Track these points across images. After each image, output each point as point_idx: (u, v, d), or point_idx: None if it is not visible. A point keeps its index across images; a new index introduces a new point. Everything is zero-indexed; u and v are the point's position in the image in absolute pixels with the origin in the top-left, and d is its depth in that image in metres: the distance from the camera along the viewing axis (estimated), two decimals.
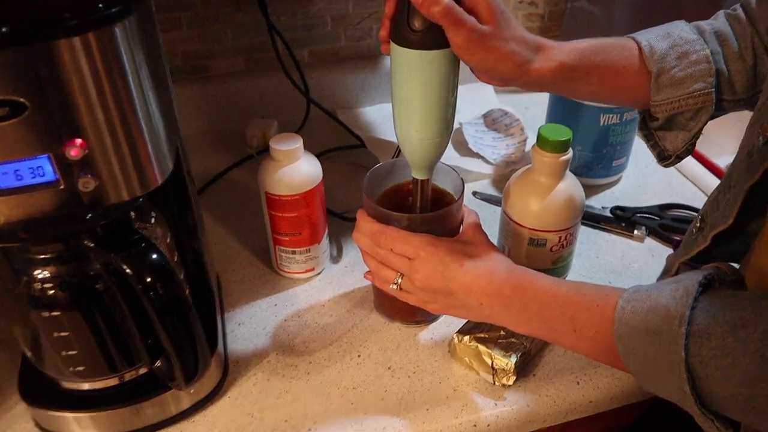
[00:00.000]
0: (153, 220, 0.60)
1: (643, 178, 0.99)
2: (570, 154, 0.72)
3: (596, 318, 0.53)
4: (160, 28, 1.08)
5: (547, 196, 0.73)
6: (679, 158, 0.68)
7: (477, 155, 1.01)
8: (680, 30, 0.64)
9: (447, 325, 0.75)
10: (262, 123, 1.08)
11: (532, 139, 1.02)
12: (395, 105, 0.60)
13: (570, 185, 0.74)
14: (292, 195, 0.73)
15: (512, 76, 0.59)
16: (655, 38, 0.64)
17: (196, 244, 0.68)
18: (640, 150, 1.04)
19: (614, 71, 0.63)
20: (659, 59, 0.63)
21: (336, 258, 0.85)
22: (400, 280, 0.64)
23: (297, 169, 0.74)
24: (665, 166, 0.69)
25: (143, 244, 0.53)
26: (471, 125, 1.06)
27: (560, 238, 0.74)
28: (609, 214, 0.90)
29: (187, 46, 1.08)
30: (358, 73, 1.15)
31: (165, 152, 0.54)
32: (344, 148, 1.05)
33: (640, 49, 0.63)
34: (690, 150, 0.67)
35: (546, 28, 1.23)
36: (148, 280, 0.52)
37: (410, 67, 0.56)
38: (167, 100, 0.56)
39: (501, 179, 0.98)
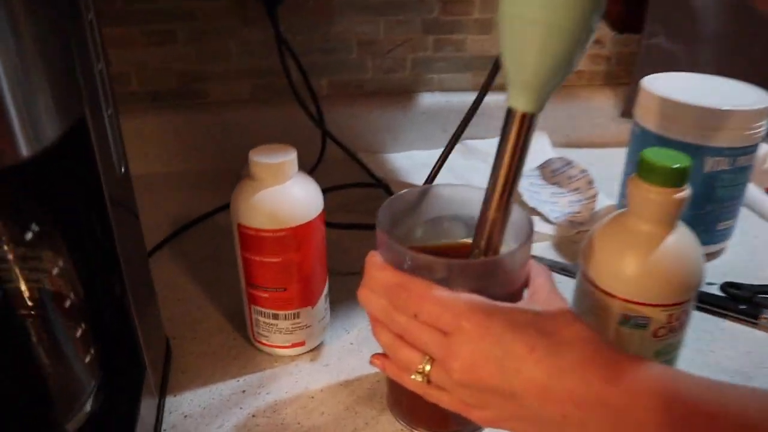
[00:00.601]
0: (33, 235, 0.36)
1: (753, 249, 0.73)
2: (688, 190, 0.47)
3: None
4: (150, 40, 0.90)
5: (652, 253, 0.47)
6: None
7: (533, 211, 0.77)
8: None
9: None
10: None
11: (603, 200, 0.78)
12: None
13: (685, 238, 0.49)
14: (276, 230, 0.50)
15: None
16: None
17: (116, 285, 0.43)
18: (747, 214, 0.79)
19: None
20: None
21: (337, 331, 0.60)
22: (428, 368, 0.40)
23: (285, 193, 0.50)
24: None
25: None
26: (524, 178, 0.82)
27: (670, 317, 0.48)
28: (720, 293, 0.63)
29: (182, 65, 0.88)
30: (385, 112, 0.93)
31: (40, 109, 0.31)
32: (359, 185, 0.82)
33: None
34: None
35: (613, 73, 1.00)
36: None
37: None
38: (63, 24, 0.33)
39: (565, 243, 0.74)
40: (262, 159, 0.50)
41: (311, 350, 0.57)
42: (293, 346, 0.55)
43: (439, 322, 0.38)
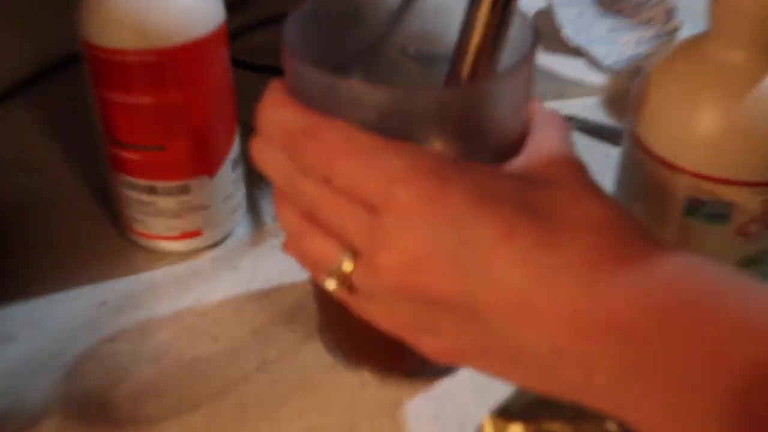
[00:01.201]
0: None
1: None
2: None
3: None
4: None
5: (744, 96, 0.39)
6: None
7: (579, 53, 0.70)
8: None
9: (473, 389, 0.42)
10: None
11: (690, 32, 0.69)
12: None
13: None
14: (143, 51, 0.42)
15: None
16: None
17: None
18: None
19: None
20: None
21: (256, 218, 0.53)
22: (347, 266, 0.33)
23: None
24: None
25: None
26: (570, 5, 0.73)
27: (766, 204, 0.40)
28: None
29: None
30: None
31: None
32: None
33: None
34: None
35: None
36: None
37: None
38: None
39: (620, 98, 0.66)
40: None
41: (212, 245, 0.50)
42: (183, 237, 0.49)
43: (362, 189, 0.30)
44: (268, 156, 0.34)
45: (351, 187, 0.31)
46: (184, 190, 0.47)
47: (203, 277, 0.48)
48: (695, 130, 0.39)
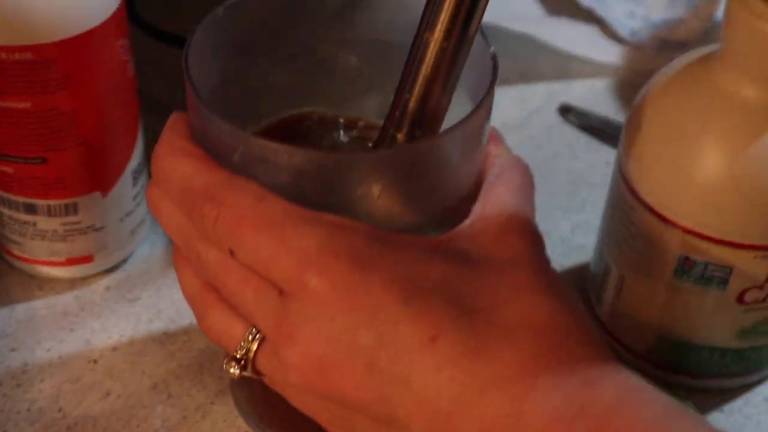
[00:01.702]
0: None
1: None
2: None
3: None
4: None
5: (755, 140, 0.43)
6: None
7: (591, 18, 0.73)
8: None
9: None
10: None
11: None
12: None
13: None
14: (16, 48, 0.45)
15: None
16: None
17: None
18: None
19: None
20: None
21: (160, 241, 0.57)
22: (252, 345, 0.37)
23: None
24: None
25: None
26: None
27: None
28: None
29: None
30: None
31: None
32: None
33: None
34: None
35: None
36: None
37: None
38: None
39: (639, 82, 0.69)
40: None
41: (105, 271, 0.54)
42: (70, 263, 0.53)
43: (270, 270, 0.35)
44: (164, 210, 0.38)
45: (257, 266, 0.35)
46: (71, 210, 0.50)
47: (94, 313, 0.52)
48: (690, 178, 0.43)
